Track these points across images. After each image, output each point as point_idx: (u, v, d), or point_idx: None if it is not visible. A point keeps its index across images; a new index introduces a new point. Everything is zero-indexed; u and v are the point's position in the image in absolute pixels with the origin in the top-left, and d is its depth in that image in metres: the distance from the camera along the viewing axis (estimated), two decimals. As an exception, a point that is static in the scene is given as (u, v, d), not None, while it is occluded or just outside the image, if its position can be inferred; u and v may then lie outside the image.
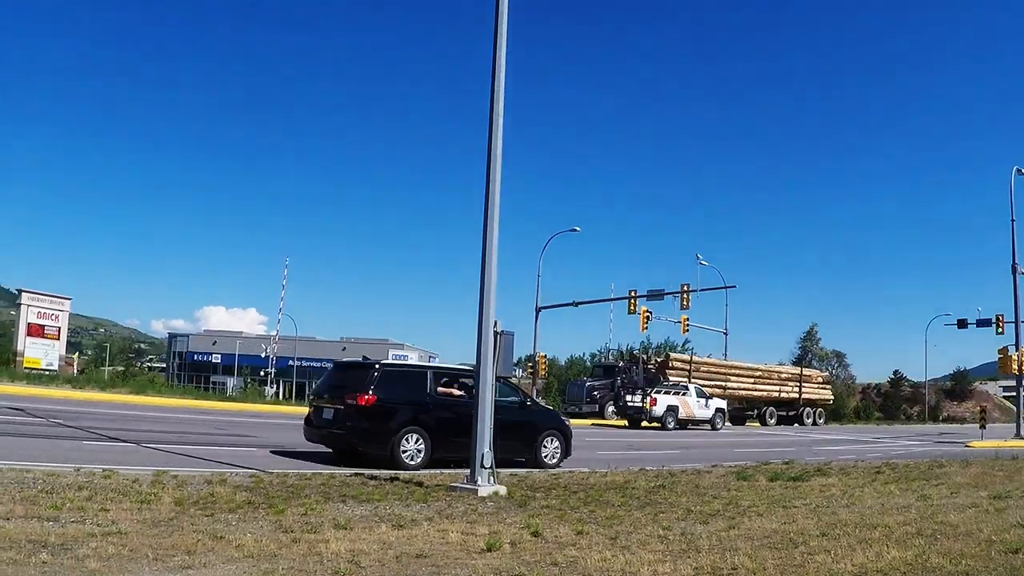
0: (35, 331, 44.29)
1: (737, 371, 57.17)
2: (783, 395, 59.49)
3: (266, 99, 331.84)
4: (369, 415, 16.66)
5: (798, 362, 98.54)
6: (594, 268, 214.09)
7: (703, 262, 63.42)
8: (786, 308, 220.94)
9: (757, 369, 59.33)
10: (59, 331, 45.56)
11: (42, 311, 44.79)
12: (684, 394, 45.93)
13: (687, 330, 61.31)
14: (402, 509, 10.98)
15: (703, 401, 46.32)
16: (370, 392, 16.72)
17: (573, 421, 44.63)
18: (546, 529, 9.80)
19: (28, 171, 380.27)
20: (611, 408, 49.76)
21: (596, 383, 53.71)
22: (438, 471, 15.72)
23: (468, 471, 13.72)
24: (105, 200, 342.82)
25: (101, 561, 7.02)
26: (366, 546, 8.32)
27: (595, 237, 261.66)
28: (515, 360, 34.55)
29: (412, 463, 16.57)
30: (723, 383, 54.10)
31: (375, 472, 14.80)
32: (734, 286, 64.57)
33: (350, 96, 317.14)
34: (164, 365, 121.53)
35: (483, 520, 10.43)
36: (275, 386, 74.04)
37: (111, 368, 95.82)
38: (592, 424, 45.42)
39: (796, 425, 57.27)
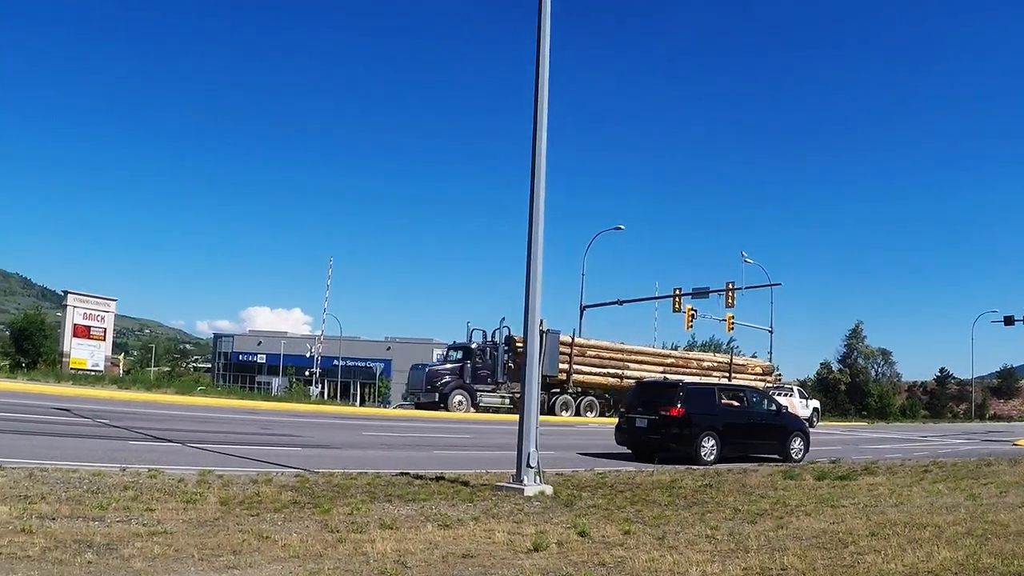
0: (81, 332, 44.76)
1: (639, 357, 48.37)
2: None
3: (309, 98, 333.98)
4: (678, 423, 20.99)
5: (843, 359, 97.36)
6: (638, 266, 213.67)
7: (748, 260, 62.51)
8: (832, 306, 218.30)
9: (667, 355, 52.36)
10: (105, 332, 46.01)
11: (88, 312, 45.27)
12: (790, 395, 47.97)
13: (732, 328, 61.00)
14: (448, 509, 10.89)
15: (804, 401, 49.71)
16: (678, 405, 21.12)
17: (392, 412, 42.10)
18: (593, 529, 9.67)
19: (74, 173, 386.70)
20: (458, 398, 40.86)
21: (442, 367, 43.94)
22: (483, 471, 15.63)
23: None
24: (151, 202, 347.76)
25: (146, 561, 6.98)
26: (412, 546, 8.25)
27: (639, 235, 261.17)
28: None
29: (708, 459, 20.74)
30: (619, 371, 45.96)
31: (420, 472, 14.73)
32: (779, 284, 63.93)
33: (395, 92, 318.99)
34: (209, 365, 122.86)
35: (529, 520, 10.31)
36: (320, 386, 74.34)
37: (156, 369, 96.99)
38: (438, 417, 37.01)
39: None
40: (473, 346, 43.57)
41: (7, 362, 49.86)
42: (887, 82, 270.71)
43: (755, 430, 22.72)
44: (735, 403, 22.95)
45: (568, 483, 14.49)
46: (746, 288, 57.23)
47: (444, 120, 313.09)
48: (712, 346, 77.10)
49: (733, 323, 60.01)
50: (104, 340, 45.96)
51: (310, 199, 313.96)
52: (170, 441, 17.80)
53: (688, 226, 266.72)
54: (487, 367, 42.05)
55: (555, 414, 41.53)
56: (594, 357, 45.20)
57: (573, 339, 44.26)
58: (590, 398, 44.72)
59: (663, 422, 21.06)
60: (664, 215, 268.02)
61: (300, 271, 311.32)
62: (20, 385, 31.11)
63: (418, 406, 41.70)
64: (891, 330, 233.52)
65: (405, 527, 9.33)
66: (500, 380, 41.69)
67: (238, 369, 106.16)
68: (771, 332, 65.67)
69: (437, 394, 40.96)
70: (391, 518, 9.83)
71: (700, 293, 56.75)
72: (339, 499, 11.09)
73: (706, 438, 20.98)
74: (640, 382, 26.48)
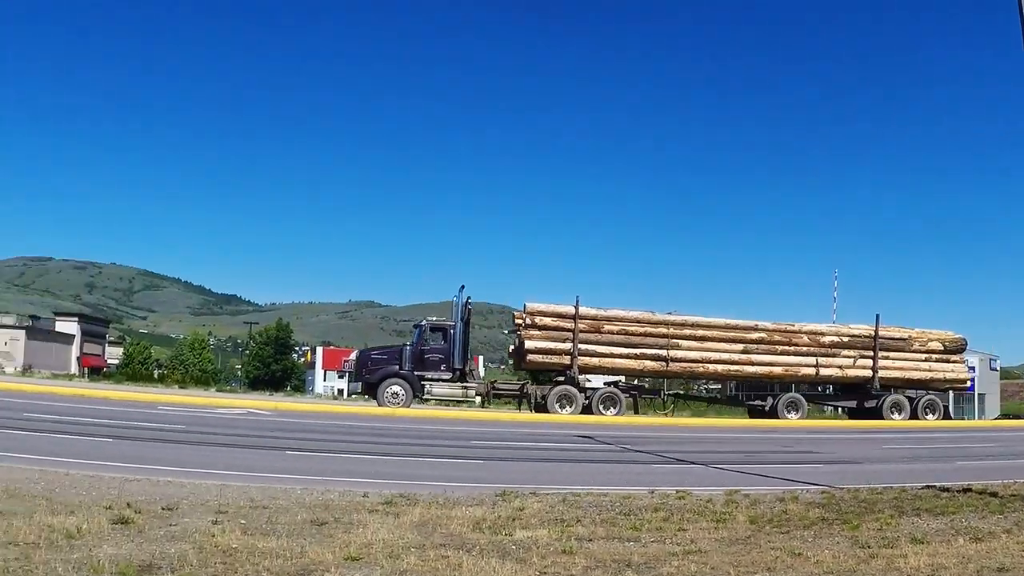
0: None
1: (697, 331, 35.03)
2: (825, 373, 35.45)
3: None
4: None
5: None
6: None
7: None
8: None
9: (751, 328, 35.95)
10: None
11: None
12: None
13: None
14: (978, 521, 10.10)
15: None
16: None
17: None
18: None
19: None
20: (392, 389, 31.90)
21: (378, 350, 37.27)
22: (1011, 481, 14.34)
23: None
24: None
25: (684, 579, 7.10)
26: (944, 560, 7.71)
27: None
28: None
29: None
30: (662, 351, 34.05)
31: (946, 484, 13.80)
32: None
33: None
34: (719, 386, 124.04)
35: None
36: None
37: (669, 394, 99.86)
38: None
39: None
40: (424, 323, 35.09)
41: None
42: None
43: None
44: None
45: None
46: None
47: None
48: None
49: None
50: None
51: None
52: (692, 463, 18.17)
53: None
54: (440, 350, 32.96)
55: (546, 411, 32.51)
56: (618, 334, 34.20)
57: (577, 309, 33.82)
58: (609, 390, 34.23)
59: None
60: None
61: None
62: (538, 416, 32.33)
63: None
64: None
65: (936, 541, 8.76)
66: (458, 366, 32.90)
67: (749, 388, 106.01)
68: None
69: (362, 383, 33.79)
70: (921, 532, 9.29)
71: None
72: (866, 514, 10.62)
73: None
74: None
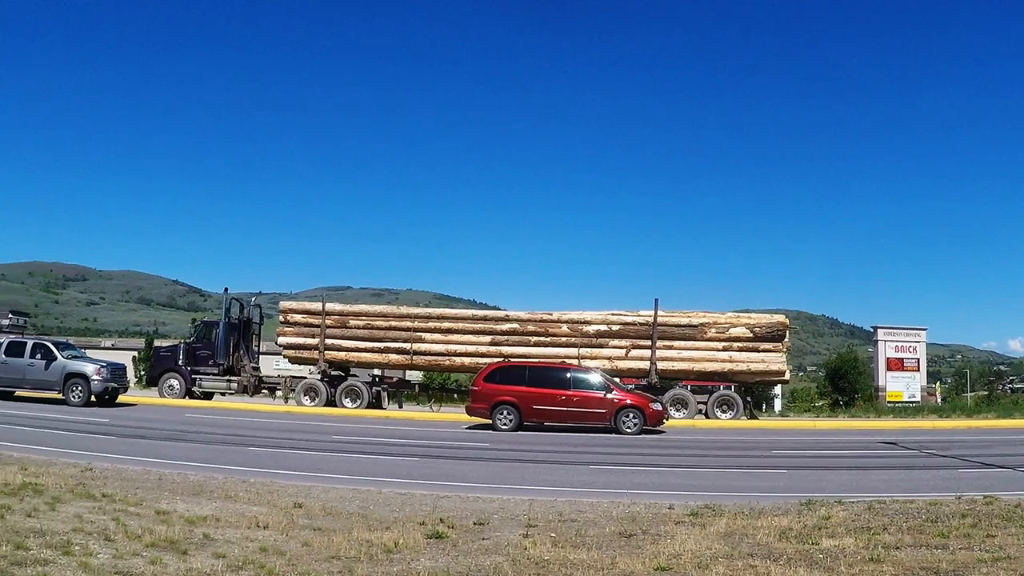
0: (894, 365, 45.32)
1: (445, 324, 34.24)
2: (590, 365, 30.39)
3: None
4: None
5: None
6: None
7: None
8: None
9: (501, 319, 34.71)
10: (917, 362, 46.03)
11: (899, 344, 45.74)
12: None
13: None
14: None
15: None
16: None
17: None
18: None
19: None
20: (170, 382, 34.73)
21: (165, 348, 39.07)
22: None
23: None
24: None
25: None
26: None
27: None
28: None
29: None
30: (403, 343, 33.50)
31: None
32: None
33: None
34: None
35: None
36: None
37: (973, 394, 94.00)
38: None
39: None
40: (198, 323, 39.85)
41: (826, 401, 52.30)
42: None
43: None
44: None
45: None
46: None
47: None
48: None
49: None
50: (918, 371, 46.01)
51: None
52: (1000, 467, 17.33)
53: None
54: (208, 347, 35.46)
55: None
56: (362, 328, 33.91)
57: (324, 306, 34.63)
58: (352, 382, 33.88)
59: None
60: None
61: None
62: (842, 423, 32.44)
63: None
64: None
65: None
66: (221, 361, 35.01)
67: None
68: None
69: (147, 378, 38.18)
70: None
71: None
72: None
73: None
74: None
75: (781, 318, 32.90)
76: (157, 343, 61.01)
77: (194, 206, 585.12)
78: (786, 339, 32.56)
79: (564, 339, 32.38)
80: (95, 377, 28.20)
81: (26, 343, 29.68)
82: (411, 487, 13.26)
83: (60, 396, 28.07)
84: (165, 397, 34.24)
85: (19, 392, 28.82)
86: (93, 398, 28.18)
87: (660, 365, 31.43)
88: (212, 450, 18.23)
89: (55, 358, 28.48)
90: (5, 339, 30.20)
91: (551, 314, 33.42)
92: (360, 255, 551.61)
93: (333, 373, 34.46)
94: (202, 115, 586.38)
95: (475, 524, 10.06)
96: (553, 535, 9.32)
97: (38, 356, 28.51)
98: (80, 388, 27.96)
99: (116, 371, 29.87)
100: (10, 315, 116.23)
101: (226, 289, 37.60)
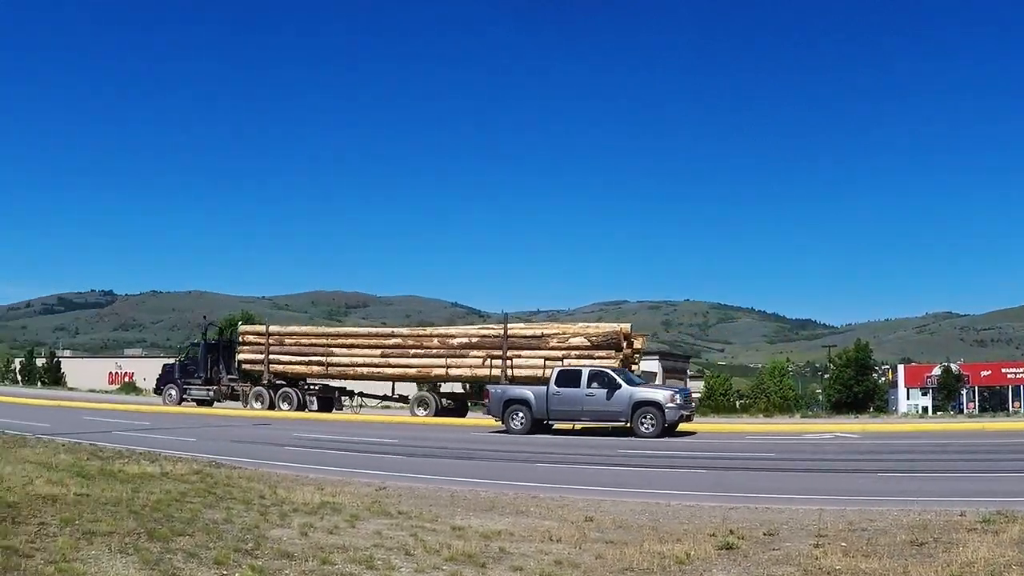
0: None
1: (348, 340, 40.71)
2: (455, 373, 37.56)
3: None
4: None
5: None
6: None
7: None
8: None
9: (390, 335, 40.71)
10: None
11: None
12: None
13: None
14: None
15: None
16: None
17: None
18: None
19: None
20: (170, 392, 43.77)
21: (168, 366, 46.91)
22: None
23: None
24: None
25: None
26: None
27: None
28: None
29: None
30: (323, 358, 39.27)
31: None
32: None
33: None
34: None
35: None
36: None
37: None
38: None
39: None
40: (187, 344, 54.20)
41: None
42: None
43: None
44: None
45: None
46: None
47: None
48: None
49: None
50: None
51: None
52: None
53: None
54: (194, 362, 43.80)
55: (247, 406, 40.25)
56: (293, 345, 40.54)
57: (267, 329, 42.63)
58: (285, 389, 40.03)
59: None
60: None
61: None
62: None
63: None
64: None
65: None
66: (201, 374, 42.74)
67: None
68: None
69: (156, 388, 47.15)
70: None
71: None
72: None
73: None
74: None
75: (619, 327, 36.03)
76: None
77: (470, 229, 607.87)
78: (630, 345, 35.92)
79: (435, 351, 37.47)
80: (669, 405, 26.79)
81: (581, 372, 28.91)
82: (698, 499, 13.38)
83: (626, 426, 27.12)
84: (166, 404, 42.36)
85: (577, 425, 28.96)
86: (665, 426, 26.62)
87: (511, 372, 35.24)
88: (498, 467, 19.02)
89: (619, 386, 27.46)
90: (555, 369, 30.40)
91: (425, 330, 41.33)
92: (637, 267, 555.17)
93: (276, 382, 40.35)
94: (481, 133, 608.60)
95: (765, 535, 10.07)
96: (844, 544, 9.20)
97: (596, 385, 27.72)
98: (652, 417, 26.49)
99: (686, 397, 29.34)
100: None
101: (204, 317, 53.23)
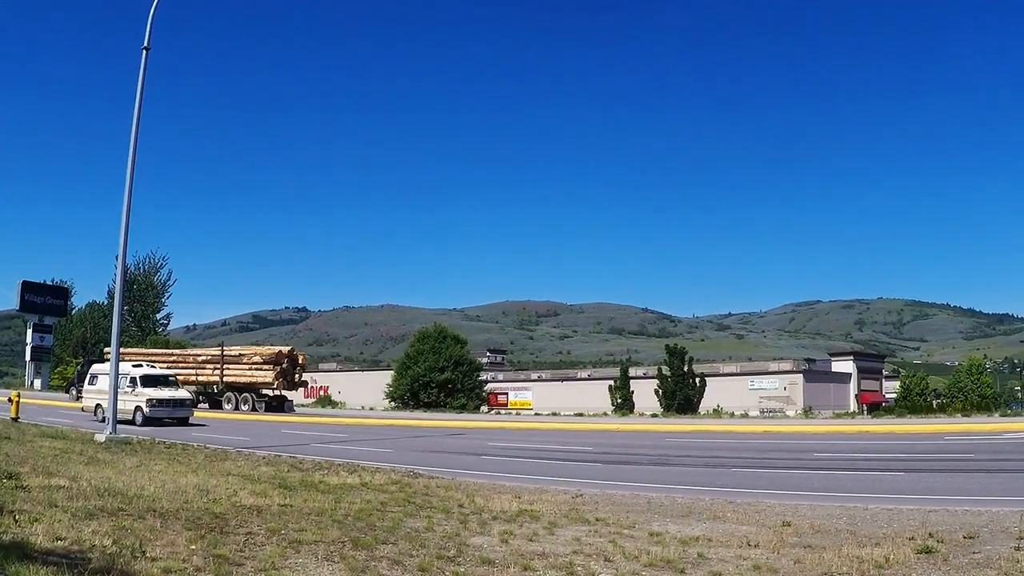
0: None
1: (153, 358, 53.05)
2: (200, 379, 56.85)
3: None
4: None
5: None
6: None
7: None
8: None
9: (170, 354, 61.31)
10: None
11: None
12: None
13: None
14: None
15: None
16: None
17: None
18: None
19: None
20: (73, 391, 60.54)
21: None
22: None
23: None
24: None
25: None
26: None
27: None
28: None
29: None
30: (214, 368, 57.22)
31: None
32: None
33: None
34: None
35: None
36: None
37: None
38: None
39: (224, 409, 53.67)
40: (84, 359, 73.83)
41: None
42: None
43: None
44: None
45: None
46: None
47: None
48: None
49: None
50: None
51: None
52: None
53: None
54: (80, 373, 58.60)
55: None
56: (207, 363, 57.57)
57: (190, 351, 66.64)
58: (194, 396, 51.41)
59: None
60: None
61: None
62: None
63: None
64: None
65: None
66: (77, 383, 56.24)
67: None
68: None
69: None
70: None
71: None
72: None
73: None
74: None
75: (278, 349, 56.03)
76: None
77: (656, 234, 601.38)
78: (292, 362, 54.69)
79: (192, 365, 56.91)
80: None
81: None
82: (897, 502, 13.20)
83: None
84: (78, 402, 50.71)
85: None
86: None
87: (225, 379, 54.80)
88: (695, 473, 19.12)
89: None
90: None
91: (187, 351, 66.02)
92: (827, 266, 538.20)
93: (203, 391, 55.48)
94: (657, 142, 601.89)
95: (964, 537, 9.94)
96: (1048, 546, 9.09)
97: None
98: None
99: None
100: (488, 353, 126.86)
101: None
